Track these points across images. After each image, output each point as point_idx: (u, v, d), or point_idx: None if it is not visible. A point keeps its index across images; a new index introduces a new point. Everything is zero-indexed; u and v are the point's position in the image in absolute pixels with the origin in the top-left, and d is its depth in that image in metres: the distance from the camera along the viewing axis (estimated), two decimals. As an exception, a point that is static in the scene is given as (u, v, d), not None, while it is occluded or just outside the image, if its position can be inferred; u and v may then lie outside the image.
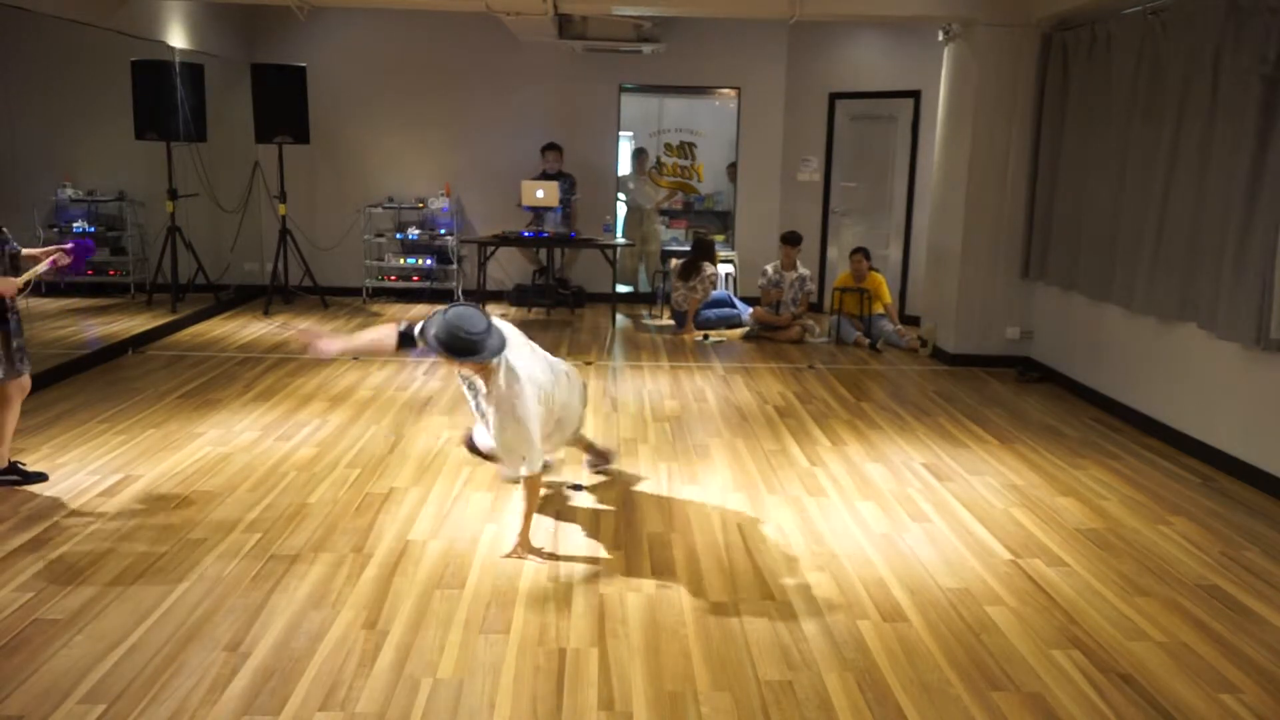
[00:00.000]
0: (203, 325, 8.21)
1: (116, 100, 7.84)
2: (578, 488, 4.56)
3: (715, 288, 8.80)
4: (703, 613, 3.36)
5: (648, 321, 9.16)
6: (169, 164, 7.95)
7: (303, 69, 8.78)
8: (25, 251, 4.33)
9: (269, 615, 3.23)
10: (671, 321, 8.89)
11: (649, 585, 3.56)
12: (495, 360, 3.62)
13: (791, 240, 8.54)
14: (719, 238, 10.52)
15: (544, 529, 4.06)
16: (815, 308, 9.22)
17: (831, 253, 9.84)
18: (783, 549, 3.92)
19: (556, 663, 3.01)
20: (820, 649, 3.13)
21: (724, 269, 9.77)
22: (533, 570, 3.65)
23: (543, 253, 9.66)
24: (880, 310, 8.36)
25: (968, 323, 7.47)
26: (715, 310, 8.79)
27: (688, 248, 9.79)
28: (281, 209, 8.96)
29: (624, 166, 10.33)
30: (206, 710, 2.68)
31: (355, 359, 7.04)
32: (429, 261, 9.78)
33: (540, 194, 8.95)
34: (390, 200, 9.77)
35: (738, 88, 9.97)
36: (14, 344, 4.24)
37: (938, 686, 2.93)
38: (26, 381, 4.40)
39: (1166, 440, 5.55)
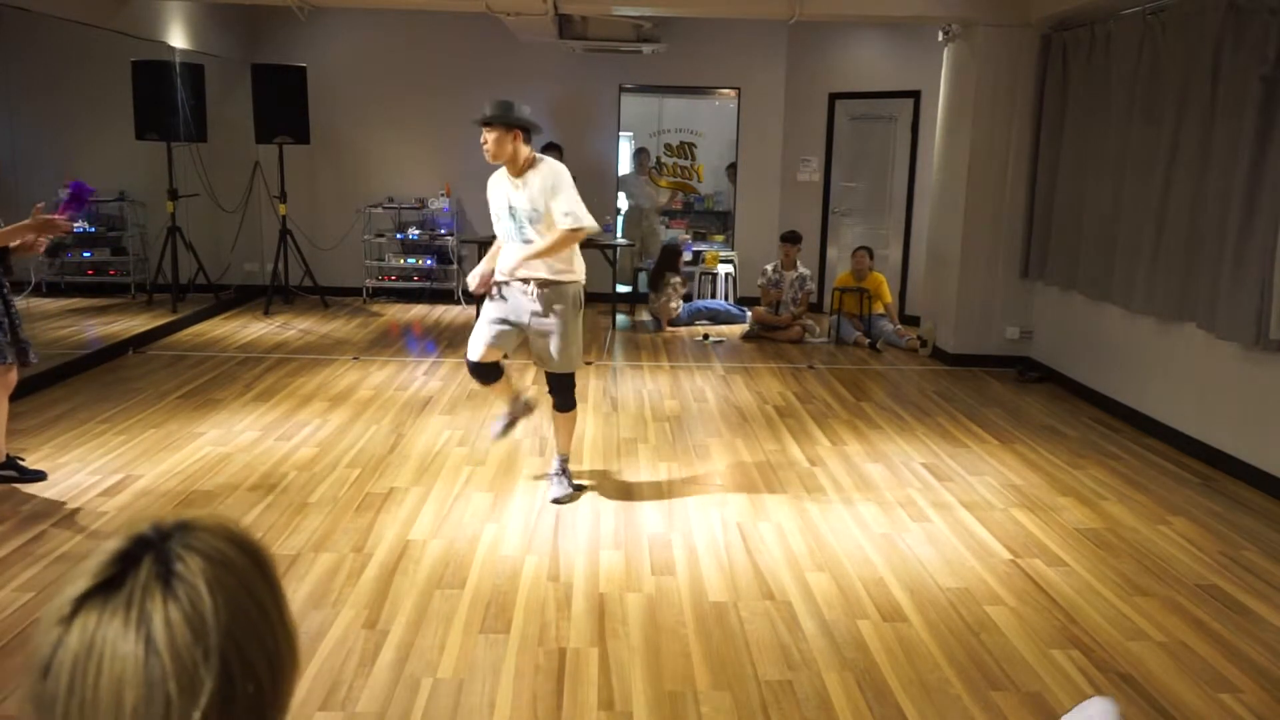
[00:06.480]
0: (203, 325, 8.22)
1: (117, 100, 7.83)
2: (579, 488, 4.56)
3: (685, 289, 9.02)
4: (703, 613, 3.36)
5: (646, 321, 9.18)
6: (169, 164, 7.95)
7: (303, 69, 8.78)
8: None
9: (269, 615, 3.23)
10: (653, 318, 9.02)
11: (649, 585, 3.56)
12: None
13: (791, 239, 8.54)
14: (718, 238, 10.53)
15: (545, 526, 4.07)
16: (815, 308, 9.22)
17: (831, 253, 9.84)
18: (783, 549, 3.92)
19: (556, 663, 3.01)
20: (820, 649, 3.13)
21: (724, 269, 9.78)
22: (533, 570, 3.66)
23: (543, 253, 9.65)
24: (880, 310, 8.37)
25: (967, 323, 7.48)
26: (709, 307, 9.01)
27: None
28: (282, 209, 8.97)
29: (624, 166, 10.33)
30: (207, 710, 2.68)
31: (355, 358, 7.05)
32: (429, 261, 9.78)
33: (540, 194, 8.94)
34: (390, 200, 9.76)
35: (738, 88, 9.96)
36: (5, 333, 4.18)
37: (937, 686, 2.93)
38: (13, 376, 4.33)
39: (1166, 440, 5.55)
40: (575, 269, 4.30)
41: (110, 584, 0.74)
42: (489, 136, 4.16)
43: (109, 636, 0.72)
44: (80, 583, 0.75)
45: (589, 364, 7.19)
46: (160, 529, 0.78)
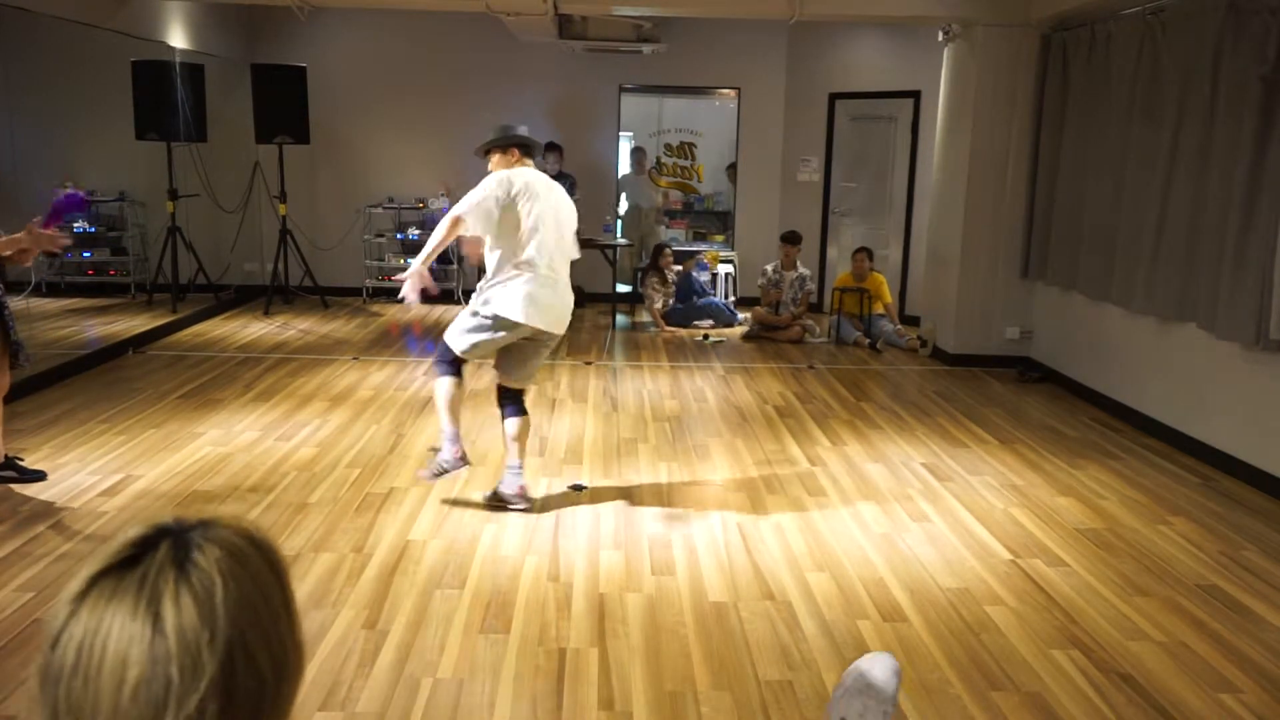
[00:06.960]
0: (203, 325, 8.22)
1: (117, 100, 7.84)
2: (578, 488, 4.56)
3: (669, 287, 8.99)
4: (703, 613, 3.36)
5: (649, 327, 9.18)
6: (169, 164, 7.95)
7: (303, 69, 8.78)
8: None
9: (269, 615, 3.23)
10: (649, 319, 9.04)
11: (649, 585, 3.56)
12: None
13: (791, 240, 8.55)
14: (718, 238, 10.52)
15: (545, 526, 4.07)
16: (815, 308, 9.22)
17: (831, 253, 9.84)
18: (783, 549, 3.92)
19: (556, 663, 3.01)
20: (820, 649, 3.13)
21: (724, 269, 9.78)
22: (533, 570, 3.66)
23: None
24: (880, 310, 8.37)
25: (968, 323, 7.47)
26: (704, 303, 9.03)
27: (688, 248, 9.83)
28: (282, 209, 8.96)
29: (624, 166, 10.33)
30: (207, 710, 2.68)
31: (355, 358, 7.05)
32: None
33: (540, 194, 8.95)
34: (390, 200, 9.76)
35: (738, 88, 9.96)
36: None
37: (938, 686, 2.93)
38: (4, 379, 4.32)
39: (1166, 440, 5.55)
40: (489, 300, 4.10)
41: (126, 564, 0.75)
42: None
43: (118, 613, 0.73)
44: (97, 562, 0.76)
45: (588, 364, 7.19)
46: (182, 522, 0.79)
